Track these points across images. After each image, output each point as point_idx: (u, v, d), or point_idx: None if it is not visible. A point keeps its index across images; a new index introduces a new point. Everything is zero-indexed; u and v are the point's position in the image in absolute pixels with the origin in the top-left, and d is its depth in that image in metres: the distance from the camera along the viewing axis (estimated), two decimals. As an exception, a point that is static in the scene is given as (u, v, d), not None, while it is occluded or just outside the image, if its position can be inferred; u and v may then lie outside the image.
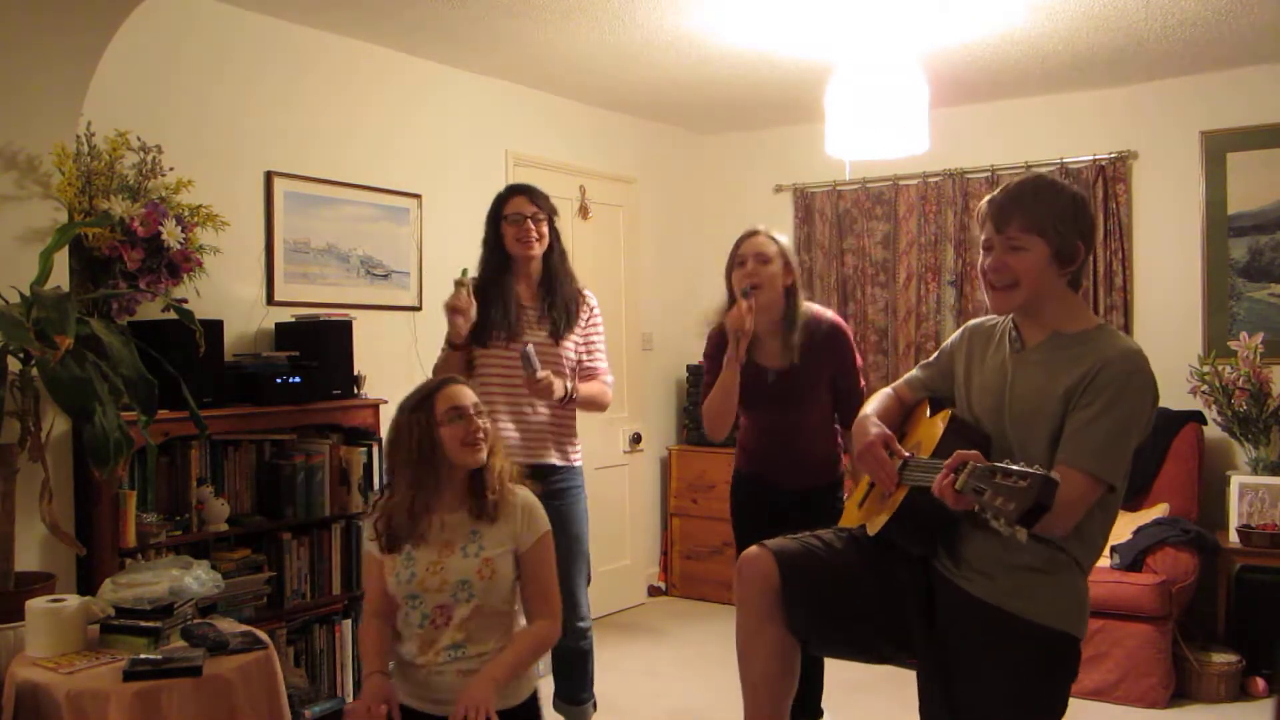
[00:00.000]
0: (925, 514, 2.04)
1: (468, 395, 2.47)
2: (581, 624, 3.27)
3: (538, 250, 3.20)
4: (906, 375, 2.44)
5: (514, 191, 3.27)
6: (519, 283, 3.25)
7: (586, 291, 3.35)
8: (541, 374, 3.04)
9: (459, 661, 2.39)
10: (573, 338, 3.26)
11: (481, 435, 2.43)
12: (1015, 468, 1.72)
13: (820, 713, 3.38)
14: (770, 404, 3.20)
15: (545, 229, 3.22)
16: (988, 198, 2.13)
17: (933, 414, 2.26)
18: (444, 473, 2.43)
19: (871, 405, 2.35)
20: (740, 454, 3.38)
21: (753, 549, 2.23)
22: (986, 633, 2.03)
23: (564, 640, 3.28)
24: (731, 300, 3.15)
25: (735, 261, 3.18)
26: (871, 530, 2.17)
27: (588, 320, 3.32)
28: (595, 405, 3.34)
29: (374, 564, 2.48)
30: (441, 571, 2.39)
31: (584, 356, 3.31)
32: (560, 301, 3.23)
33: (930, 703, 2.16)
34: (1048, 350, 2.07)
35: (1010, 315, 2.16)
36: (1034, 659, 2.02)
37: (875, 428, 2.19)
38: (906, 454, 2.10)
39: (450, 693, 2.37)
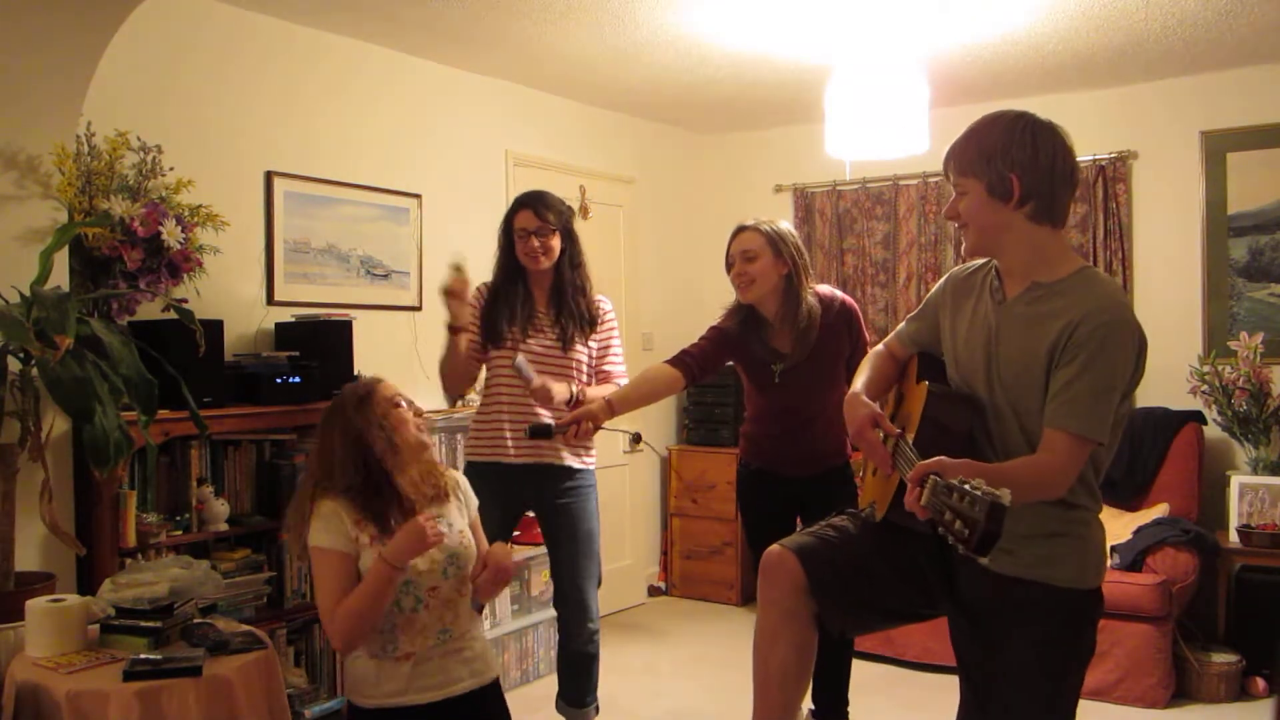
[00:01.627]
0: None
1: (396, 388, 2.58)
2: (591, 625, 3.27)
3: (545, 264, 3.22)
4: (897, 328, 2.39)
5: (521, 205, 3.25)
6: (533, 288, 3.28)
7: (600, 298, 3.36)
8: (536, 382, 3.07)
9: (447, 643, 2.45)
10: (587, 344, 3.28)
11: (423, 421, 2.57)
12: (969, 488, 1.66)
13: (845, 716, 3.37)
14: (789, 390, 3.18)
15: (554, 241, 3.21)
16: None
17: (919, 378, 2.21)
18: (392, 466, 2.48)
19: (861, 376, 2.30)
20: (748, 447, 3.36)
21: (774, 549, 2.23)
22: (1012, 606, 2.03)
23: (573, 644, 3.28)
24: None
25: (727, 262, 3.22)
26: (879, 514, 2.17)
27: (602, 326, 3.33)
28: None
29: (333, 558, 2.39)
30: (430, 552, 2.41)
31: (599, 361, 3.33)
32: (570, 310, 3.24)
33: (967, 665, 2.17)
34: (1027, 303, 2.02)
35: (991, 262, 2.12)
36: (1063, 620, 2.02)
37: (864, 408, 2.14)
38: (897, 431, 2.06)
39: (440, 676, 2.42)
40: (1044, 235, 2.00)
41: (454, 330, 3.18)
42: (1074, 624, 2.04)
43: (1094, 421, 1.90)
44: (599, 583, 3.32)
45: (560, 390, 3.12)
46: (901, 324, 2.39)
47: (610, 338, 3.36)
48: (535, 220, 3.19)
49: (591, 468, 3.33)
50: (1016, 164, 1.96)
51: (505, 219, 3.29)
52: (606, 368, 3.34)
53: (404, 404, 2.53)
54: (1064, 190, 2.00)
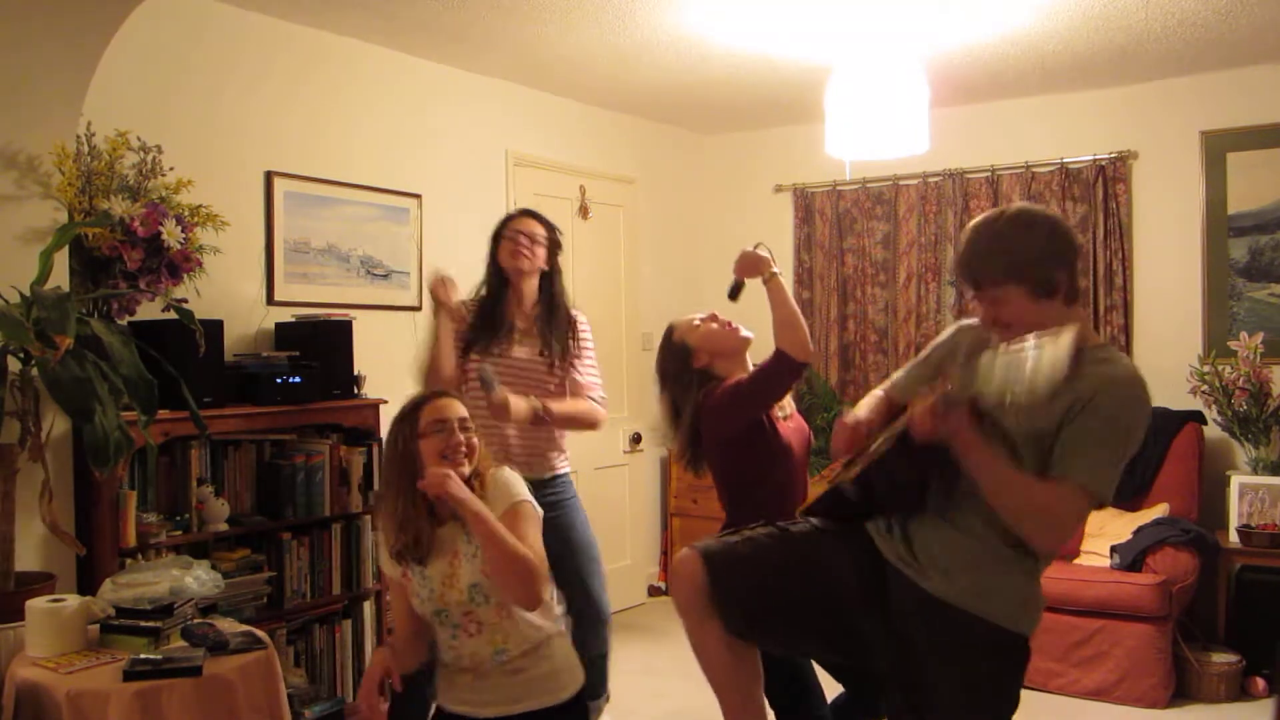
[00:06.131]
0: (903, 469, 2.07)
1: (455, 409, 2.37)
2: (608, 629, 3.24)
3: (529, 268, 3.18)
4: (893, 376, 2.40)
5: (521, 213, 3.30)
6: (513, 303, 3.21)
7: (574, 312, 3.30)
8: (498, 395, 2.97)
9: (506, 664, 2.35)
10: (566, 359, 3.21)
11: (463, 451, 2.34)
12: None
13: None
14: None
15: (541, 251, 3.19)
16: (956, 258, 2.16)
17: None
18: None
19: (862, 408, 2.35)
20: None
21: (683, 551, 2.25)
22: (942, 633, 2.03)
23: (600, 647, 3.21)
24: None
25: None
26: (847, 476, 2.15)
27: (575, 340, 3.26)
28: (581, 423, 3.24)
29: (397, 586, 2.43)
30: (456, 581, 2.34)
31: (572, 373, 3.23)
32: (559, 326, 3.19)
33: (891, 700, 2.18)
34: None
35: None
36: (989, 659, 2.03)
37: (862, 415, 2.28)
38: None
39: (499, 693, 2.34)
40: (1071, 314, 2.05)
41: (441, 314, 3.11)
42: (1000, 665, 2.04)
43: (1103, 481, 1.94)
44: (604, 582, 3.30)
45: (521, 408, 3.02)
46: (899, 372, 2.39)
47: (582, 350, 3.27)
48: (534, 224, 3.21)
49: (564, 473, 3.24)
50: (1060, 261, 2.02)
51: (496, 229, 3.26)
52: (579, 379, 3.24)
53: (445, 428, 2.32)
54: (1079, 272, 2.11)
